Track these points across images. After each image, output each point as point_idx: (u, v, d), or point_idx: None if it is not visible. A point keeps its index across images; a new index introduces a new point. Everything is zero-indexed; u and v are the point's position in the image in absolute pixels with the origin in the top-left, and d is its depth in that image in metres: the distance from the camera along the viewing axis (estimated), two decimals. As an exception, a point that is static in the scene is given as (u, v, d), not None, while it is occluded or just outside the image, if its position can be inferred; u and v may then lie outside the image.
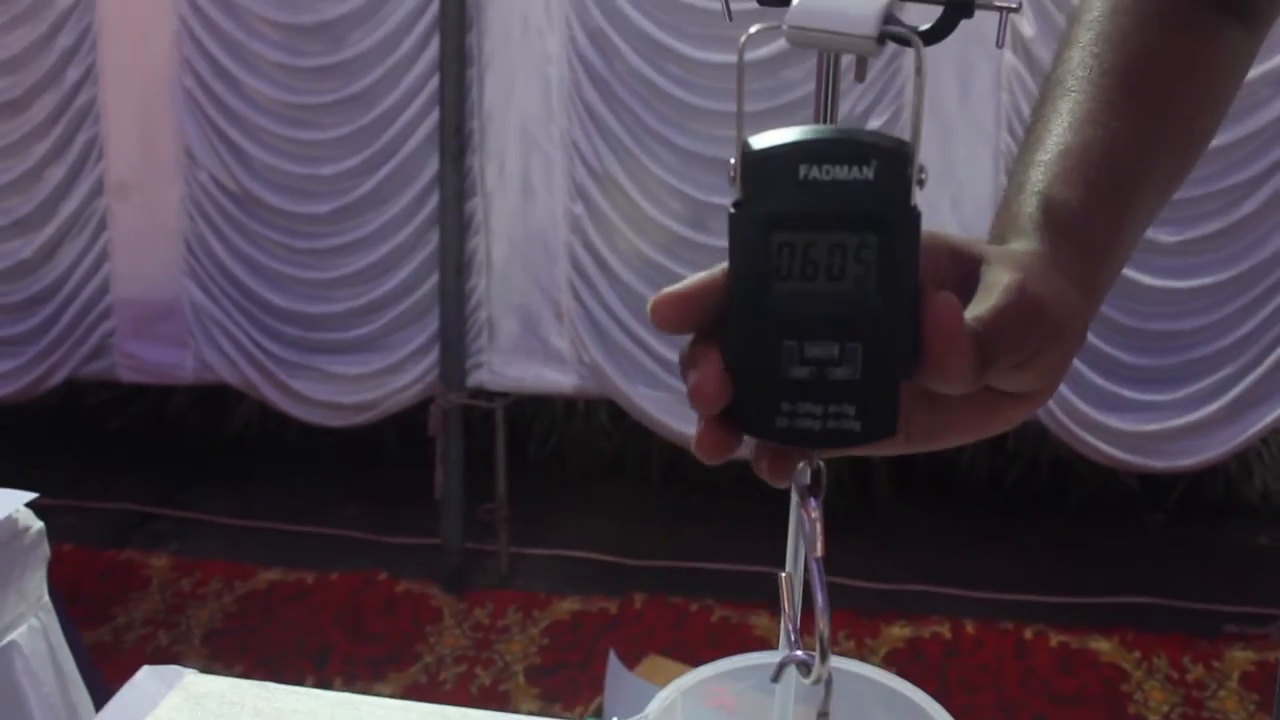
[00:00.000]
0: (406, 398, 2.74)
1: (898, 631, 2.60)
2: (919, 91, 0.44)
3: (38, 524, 1.29)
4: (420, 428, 2.88)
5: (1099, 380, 2.47)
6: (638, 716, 0.53)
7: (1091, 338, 2.49)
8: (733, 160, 0.45)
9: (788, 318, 0.45)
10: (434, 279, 2.64)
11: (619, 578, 2.81)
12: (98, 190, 2.87)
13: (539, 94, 2.51)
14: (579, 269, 2.60)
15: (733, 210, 0.45)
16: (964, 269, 0.53)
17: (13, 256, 2.96)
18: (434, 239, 2.63)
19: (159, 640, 2.62)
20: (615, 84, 2.47)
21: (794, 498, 0.56)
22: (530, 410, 3.13)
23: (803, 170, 0.44)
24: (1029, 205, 0.60)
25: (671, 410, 2.62)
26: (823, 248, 0.44)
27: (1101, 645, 2.58)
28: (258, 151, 2.74)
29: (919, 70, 0.45)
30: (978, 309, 0.50)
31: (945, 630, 2.61)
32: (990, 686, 2.42)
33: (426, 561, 2.84)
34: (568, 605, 2.72)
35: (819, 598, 0.48)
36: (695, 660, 2.44)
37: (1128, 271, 2.38)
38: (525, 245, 2.61)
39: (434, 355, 2.68)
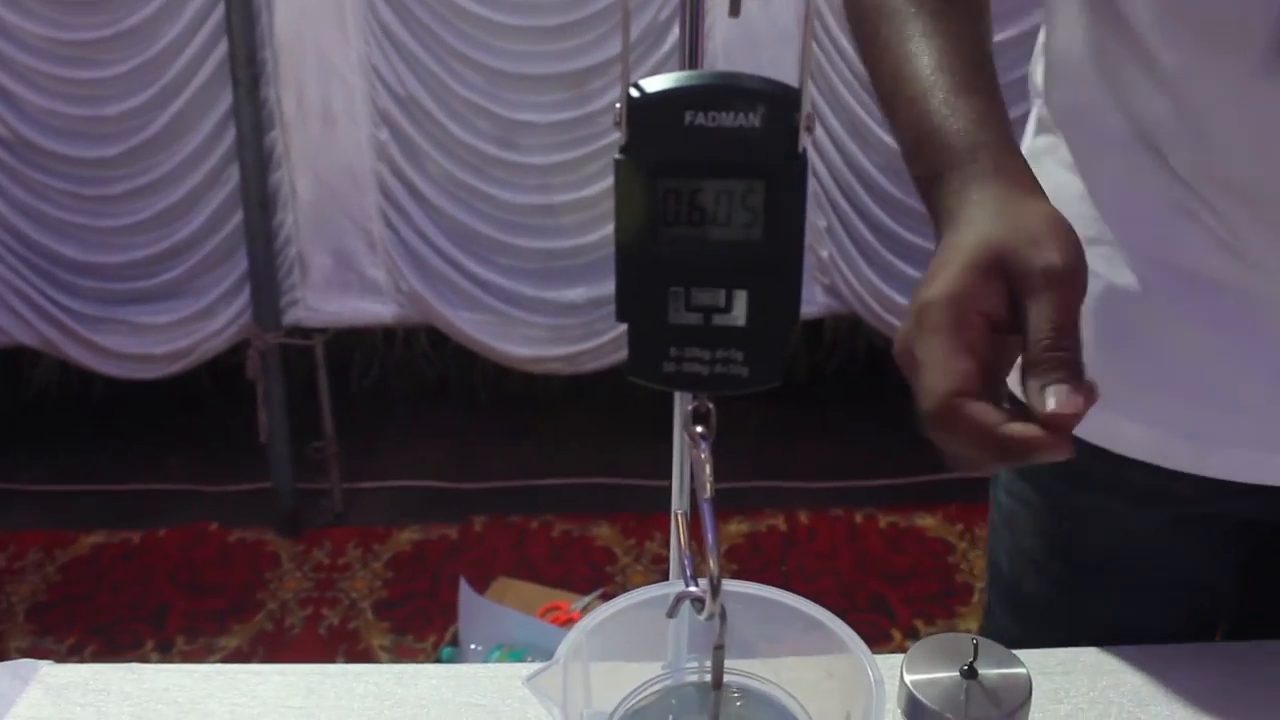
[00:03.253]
0: (221, 342, 2.64)
1: (735, 528, 2.67)
2: (806, 34, 0.44)
3: None
4: (235, 370, 2.79)
5: (909, 270, 2.56)
6: (548, 663, 0.54)
7: (900, 230, 2.57)
8: (618, 105, 0.44)
9: (674, 264, 0.45)
10: (238, 217, 2.54)
11: (456, 503, 2.81)
12: None
13: (333, 19, 2.41)
14: (389, 197, 2.54)
15: (618, 156, 0.45)
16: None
17: None
18: (234, 176, 2.52)
19: (-22, 620, 2.51)
20: (412, 3, 2.39)
21: (677, 439, 0.57)
22: (349, 342, 3.06)
23: (689, 116, 0.44)
24: (967, 137, 0.66)
25: (493, 332, 2.60)
26: (709, 194, 0.44)
27: (927, 521, 2.71)
28: (30, 94, 2.57)
29: (807, 15, 0.45)
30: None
31: (780, 522, 2.70)
32: (829, 572, 2.51)
33: (258, 507, 2.78)
34: (407, 535, 2.70)
35: (709, 537, 0.49)
36: (542, 578, 2.46)
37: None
38: (331, 176, 2.53)
39: (245, 296, 2.59)
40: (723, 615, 0.51)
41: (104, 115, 2.55)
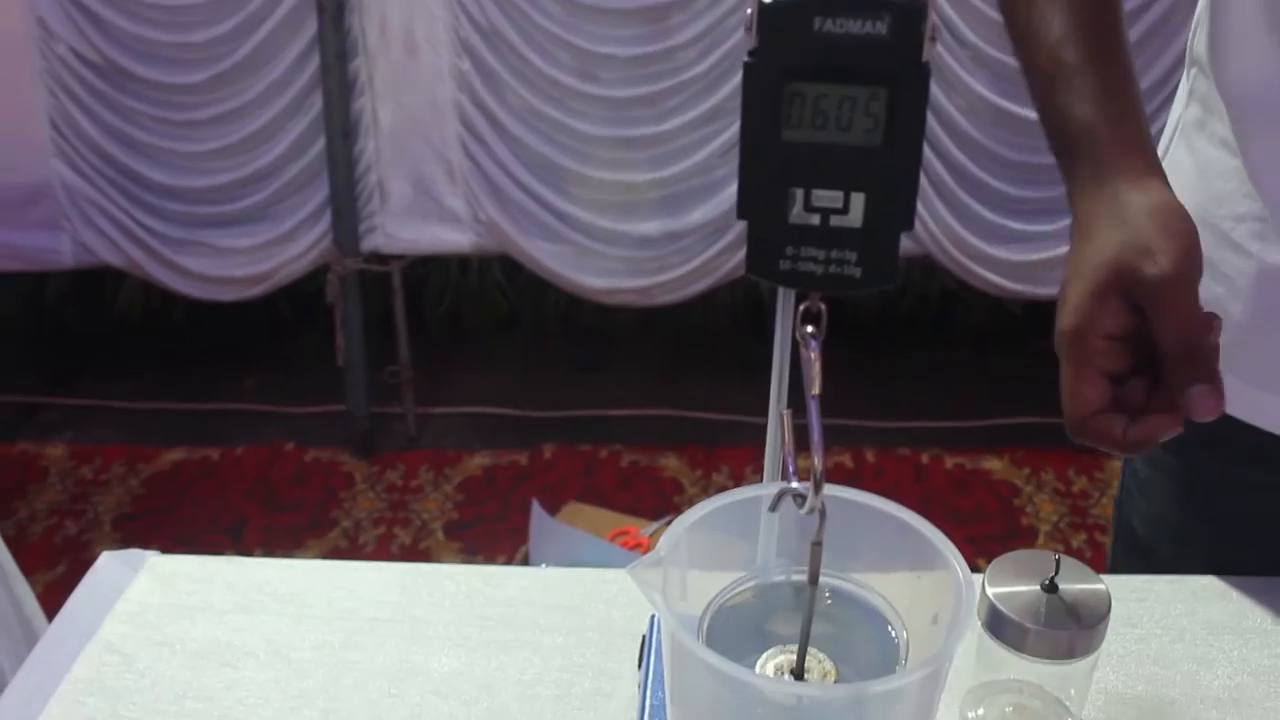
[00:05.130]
0: (300, 266, 2.69)
1: (802, 464, 2.68)
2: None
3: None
4: (312, 296, 2.85)
5: (986, 213, 2.54)
6: (650, 555, 0.56)
7: (979, 172, 2.55)
8: (749, 10, 0.46)
9: (796, 166, 0.47)
10: (320, 144, 2.58)
11: (526, 430, 2.85)
12: (-52, 70, 2.73)
13: (417, -53, 2.43)
14: (469, 126, 2.56)
15: (747, 59, 0.46)
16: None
17: None
18: (317, 103, 2.56)
19: (67, 529, 2.59)
20: (496, -66, 2.40)
21: (778, 341, 0.59)
22: (423, 271, 3.11)
23: (817, 22, 0.45)
24: (1133, 148, 0.70)
25: (569, 262, 2.63)
26: (833, 99, 0.46)
27: (994, 464, 2.71)
28: (119, 19, 2.61)
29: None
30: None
31: (847, 460, 2.71)
32: (894, 510, 2.52)
33: (333, 429, 2.84)
34: (478, 461, 2.75)
35: (815, 434, 0.51)
36: (611, 506, 2.49)
37: (1013, 106, 2.44)
38: (413, 105, 2.55)
39: (326, 221, 2.64)
40: (822, 512, 0.53)
41: (191, 41, 2.59)
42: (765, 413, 0.59)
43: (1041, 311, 3.10)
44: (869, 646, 0.60)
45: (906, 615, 0.61)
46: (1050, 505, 2.59)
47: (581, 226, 2.59)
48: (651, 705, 0.75)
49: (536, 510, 2.18)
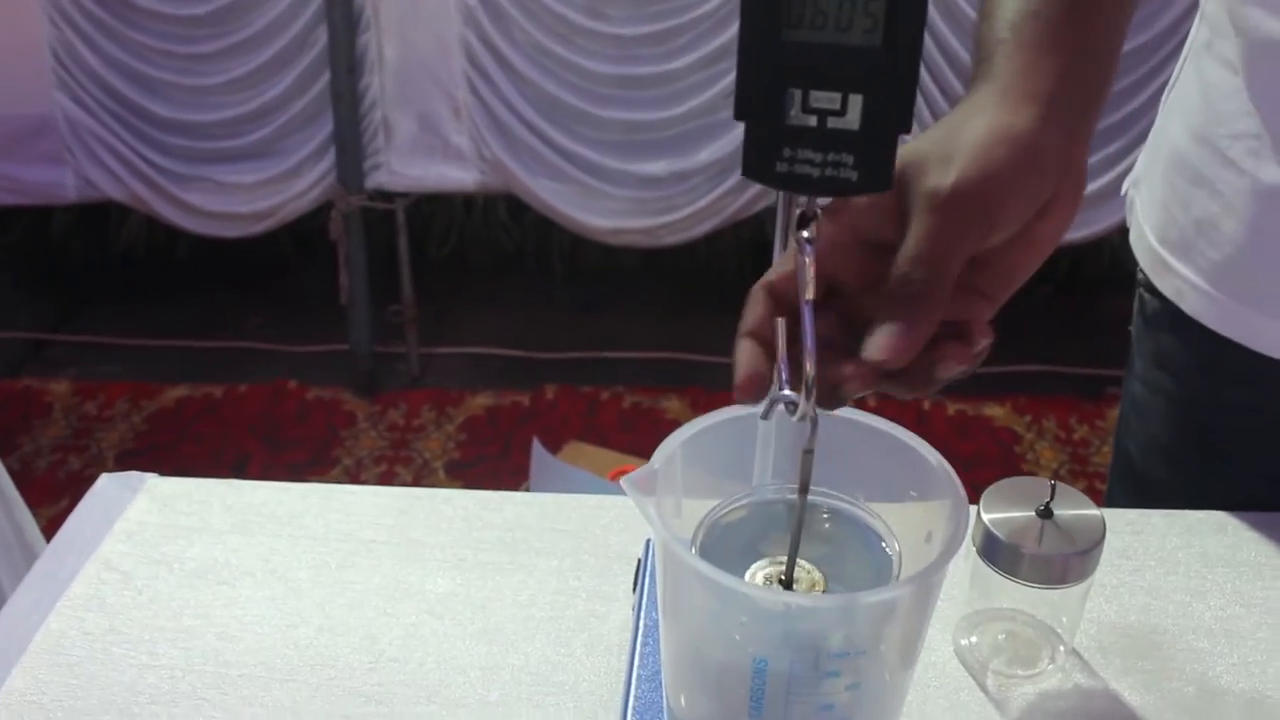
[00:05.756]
0: (305, 203, 2.69)
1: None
2: None
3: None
4: (316, 234, 2.84)
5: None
6: (644, 467, 0.56)
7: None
8: None
9: (794, 66, 0.46)
10: (325, 79, 2.57)
11: (529, 371, 2.86)
12: (-51, 1, 2.71)
13: (425, -122, 2.41)
14: (475, 63, 2.54)
15: None
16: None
17: None
18: (322, 37, 2.54)
19: (70, 465, 2.60)
20: None
21: (777, 245, 0.58)
22: (429, 211, 3.10)
23: None
24: (994, 28, 0.61)
25: (574, 202, 2.62)
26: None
27: (995, 411, 2.71)
28: (123, -49, 2.60)
29: None
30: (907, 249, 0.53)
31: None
32: (894, 454, 2.53)
33: (336, 367, 2.84)
34: (480, 400, 2.76)
35: (808, 340, 0.51)
36: (612, 446, 2.50)
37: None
38: (419, 41, 2.53)
39: (330, 158, 2.62)
40: (814, 420, 0.53)
41: (195, -28, 2.57)
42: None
43: (1048, 259, 3.09)
44: (861, 563, 0.60)
45: (901, 534, 0.61)
46: (1051, 453, 2.59)
47: (587, 166, 2.58)
48: (645, 626, 0.75)
49: (537, 449, 2.19)
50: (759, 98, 0.46)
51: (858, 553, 0.61)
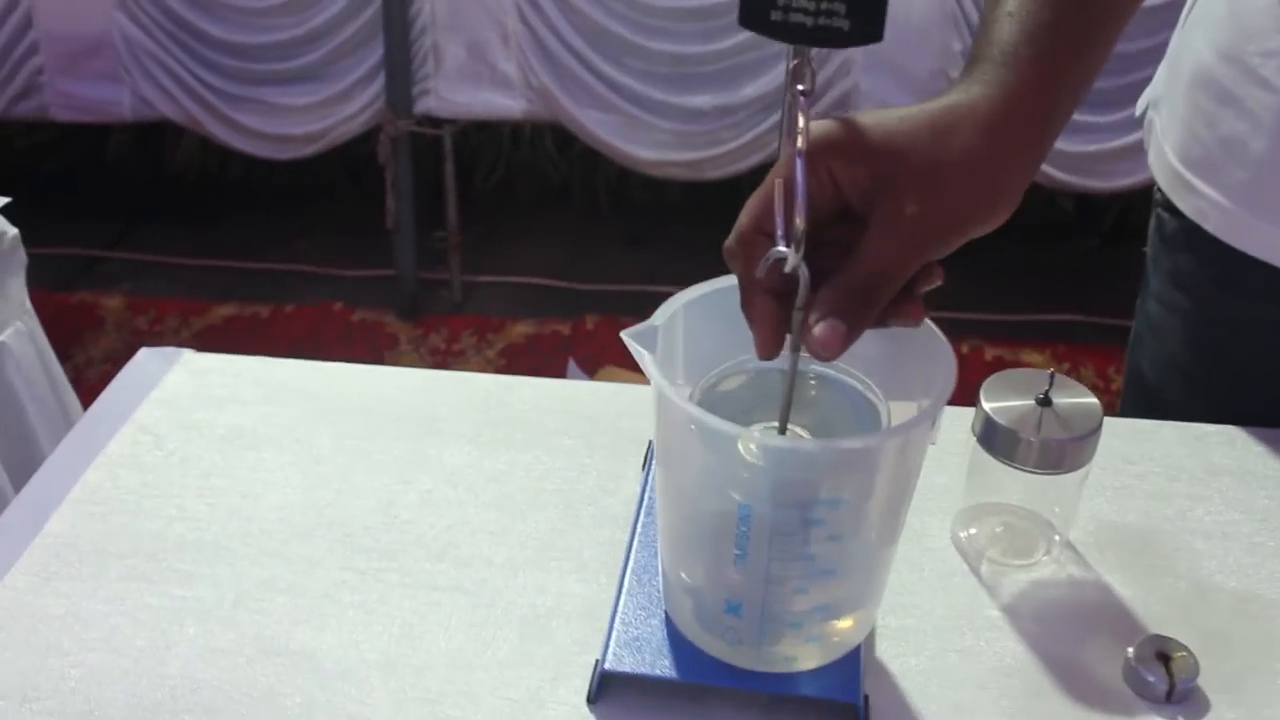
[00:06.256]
0: (354, 126, 2.72)
1: (841, 348, 2.70)
2: None
3: (11, 230, 1.30)
4: (367, 159, 2.87)
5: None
6: (645, 323, 0.58)
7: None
8: None
9: None
10: (377, 4, 2.59)
11: (570, 301, 2.88)
12: (13, -82, 2.75)
13: None
14: (524, -9, 2.56)
15: None
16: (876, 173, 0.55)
17: (-75, -10, 2.84)
18: (374, -38, 2.56)
19: (120, 374, 2.66)
20: None
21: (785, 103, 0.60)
22: (475, 140, 3.12)
23: None
24: (998, 28, 0.60)
25: (621, 133, 2.63)
26: None
27: (1034, 358, 2.71)
28: None
29: None
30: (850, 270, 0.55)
31: (886, 345, 2.71)
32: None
33: (381, 291, 2.88)
34: (521, 329, 2.79)
35: (800, 194, 0.52)
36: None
37: None
38: (469, -33, 2.55)
39: (380, 83, 2.65)
40: (805, 274, 0.54)
41: (252, -107, 2.60)
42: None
43: (1093, 211, 3.07)
44: (851, 426, 0.62)
45: (895, 406, 0.63)
46: (1089, 399, 2.58)
47: (633, 97, 2.59)
48: (649, 499, 0.78)
49: (572, 367, 2.22)
50: (756, -55, 0.48)
51: (847, 416, 0.63)
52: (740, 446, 0.56)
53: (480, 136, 3.10)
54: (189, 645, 0.69)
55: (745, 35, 2.49)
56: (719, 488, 0.58)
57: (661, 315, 0.60)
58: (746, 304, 0.58)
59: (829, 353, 0.54)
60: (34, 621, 0.71)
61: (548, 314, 2.83)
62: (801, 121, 0.50)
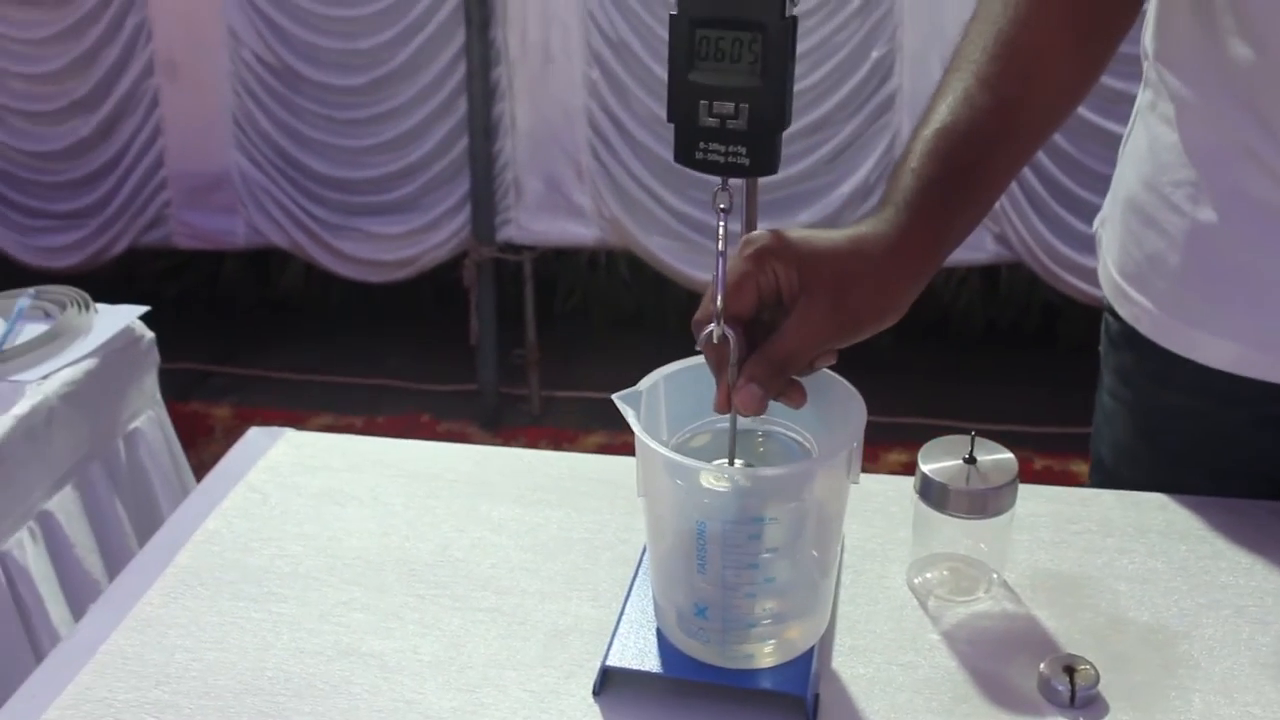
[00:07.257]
0: (442, 253, 2.97)
1: (896, 457, 2.85)
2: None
3: (149, 334, 1.54)
4: (454, 284, 3.12)
5: (1076, 223, 2.67)
6: (632, 389, 0.77)
7: (1074, 186, 2.68)
8: None
9: (703, 86, 0.68)
10: (464, 143, 2.86)
11: (642, 417, 3.06)
12: (149, 71, 3.08)
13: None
14: (597, 130, 2.81)
15: (672, 14, 0.68)
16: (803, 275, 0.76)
17: (73, 135, 3.17)
18: (463, 106, 2.83)
19: (226, 479, 2.89)
20: (626, -43, 2.64)
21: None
22: (555, 267, 3.36)
23: None
24: (904, 179, 0.81)
25: (683, 258, 2.84)
26: (728, 41, 0.67)
27: (1082, 468, 2.82)
28: (296, 28, 2.94)
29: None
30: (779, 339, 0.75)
31: (938, 455, 2.84)
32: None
33: (465, 404, 3.11)
34: (595, 439, 2.98)
35: (719, 284, 0.72)
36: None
37: (1099, 119, 2.57)
38: (547, 109, 2.81)
39: (466, 213, 2.91)
40: (724, 338, 0.73)
41: (355, 48, 2.90)
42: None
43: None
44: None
45: (824, 450, 0.80)
46: (1133, 507, 2.68)
47: (695, 224, 2.81)
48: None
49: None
50: (682, 107, 0.68)
51: (788, 461, 0.81)
52: (702, 478, 0.75)
53: (559, 263, 3.35)
54: (283, 647, 0.88)
55: (797, 168, 2.71)
56: (687, 513, 0.76)
57: (645, 383, 0.78)
58: (714, 371, 0.78)
59: (748, 410, 0.73)
60: (164, 628, 0.90)
61: (623, 426, 3.01)
62: (721, 231, 0.69)
